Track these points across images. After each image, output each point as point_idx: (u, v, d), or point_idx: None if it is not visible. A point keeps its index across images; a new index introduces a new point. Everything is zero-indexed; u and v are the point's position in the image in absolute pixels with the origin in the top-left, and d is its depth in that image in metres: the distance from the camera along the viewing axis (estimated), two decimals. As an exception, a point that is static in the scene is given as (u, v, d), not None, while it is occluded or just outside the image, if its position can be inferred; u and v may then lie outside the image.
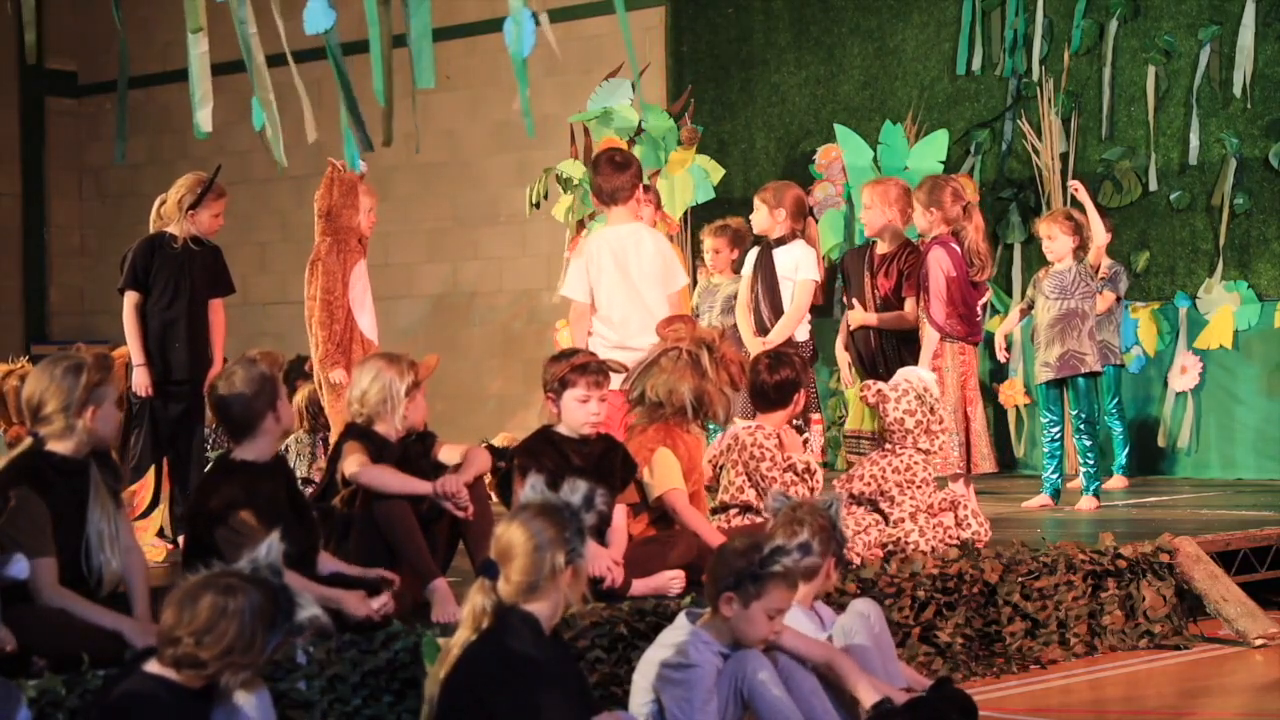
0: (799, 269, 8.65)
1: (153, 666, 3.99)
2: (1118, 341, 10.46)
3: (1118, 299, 10.40)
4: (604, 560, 5.84)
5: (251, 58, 4.65)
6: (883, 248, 8.68)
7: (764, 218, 8.77)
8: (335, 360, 8.10)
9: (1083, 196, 9.51)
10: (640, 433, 6.36)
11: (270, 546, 4.06)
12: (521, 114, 4.57)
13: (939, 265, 8.38)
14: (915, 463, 6.96)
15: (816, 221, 10.65)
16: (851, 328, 8.75)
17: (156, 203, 7.86)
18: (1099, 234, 9.38)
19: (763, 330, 8.67)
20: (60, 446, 4.93)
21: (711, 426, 8.59)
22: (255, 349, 5.53)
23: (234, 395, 5.31)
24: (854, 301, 8.76)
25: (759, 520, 6.54)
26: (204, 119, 4.72)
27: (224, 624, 3.91)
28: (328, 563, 5.47)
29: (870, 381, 7.40)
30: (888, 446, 7.02)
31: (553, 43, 4.42)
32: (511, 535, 4.34)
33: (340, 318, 8.10)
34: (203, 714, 4.00)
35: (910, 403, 7.03)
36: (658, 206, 10.23)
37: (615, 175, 7.49)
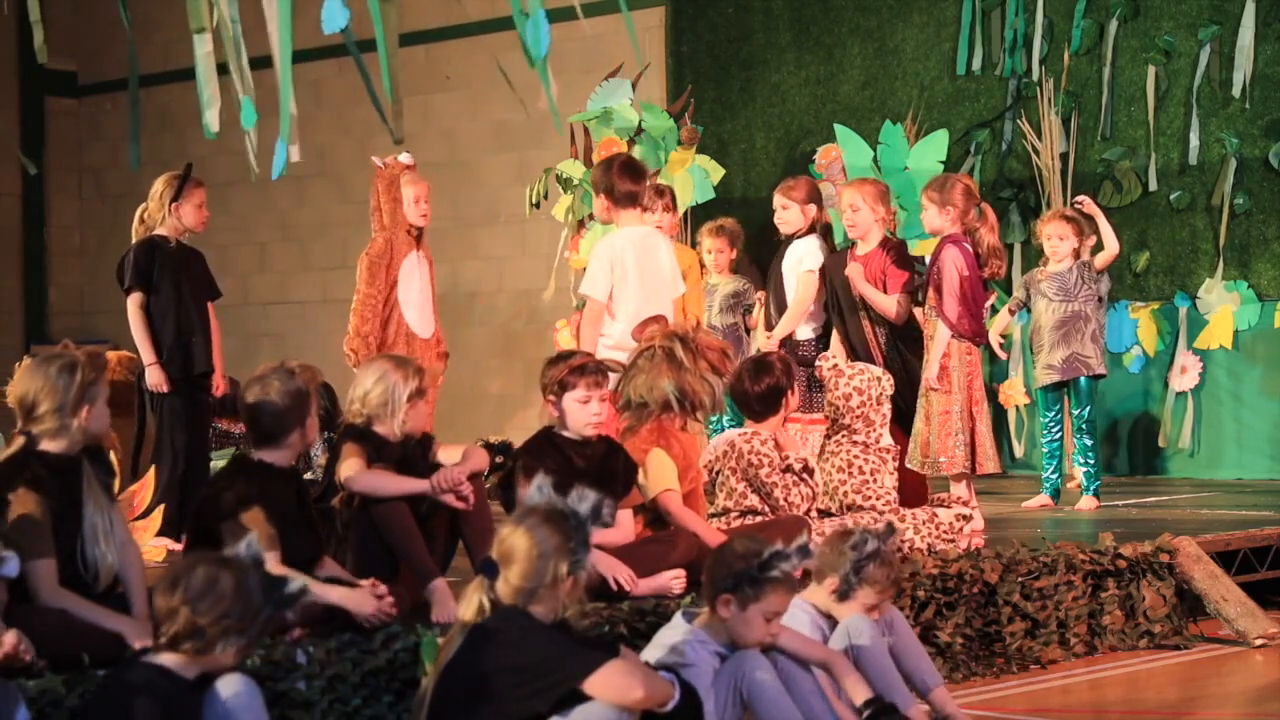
0: (801, 262, 8.61)
1: (150, 656, 4.02)
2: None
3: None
4: (624, 572, 5.85)
5: (238, 59, 4.63)
6: (863, 248, 8.59)
7: (796, 215, 8.71)
8: (354, 347, 8.03)
9: (1091, 208, 9.49)
10: (633, 435, 6.35)
11: (249, 543, 4.10)
12: (550, 112, 4.58)
13: (954, 264, 8.33)
14: (855, 457, 6.98)
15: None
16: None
17: (138, 212, 7.83)
18: (1111, 244, 9.38)
19: (772, 326, 8.65)
20: (53, 445, 4.91)
21: (712, 422, 8.60)
22: (294, 360, 5.44)
23: (268, 403, 5.28)
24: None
25: (761, 521, 6.55)
26: (212, 119, 4.69)
27: (220, 587, 3.98)
28: (323, 567, 5.45)
29: (829, 354, 7.42)
30: (827, 446, 7.07)
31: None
32: (515, 540, 4.34)
33: (381, 313, 8.05)
34: (197, 704, 4.02)
35: (862, 382, 7.06)
36: (674, 209, 10.04)
37: (635, 182, 7.47)
